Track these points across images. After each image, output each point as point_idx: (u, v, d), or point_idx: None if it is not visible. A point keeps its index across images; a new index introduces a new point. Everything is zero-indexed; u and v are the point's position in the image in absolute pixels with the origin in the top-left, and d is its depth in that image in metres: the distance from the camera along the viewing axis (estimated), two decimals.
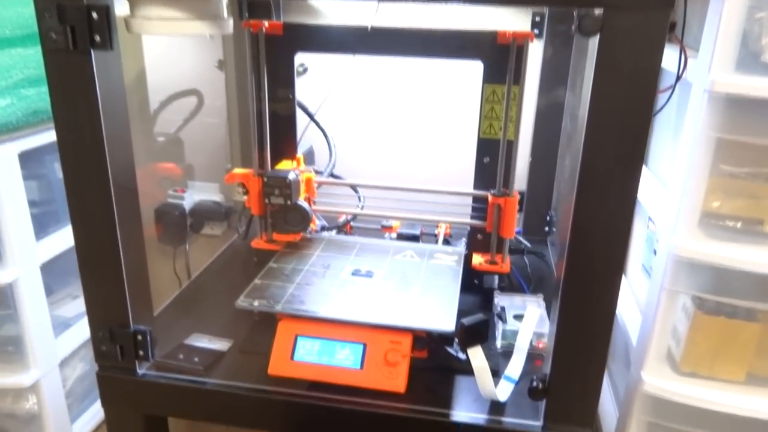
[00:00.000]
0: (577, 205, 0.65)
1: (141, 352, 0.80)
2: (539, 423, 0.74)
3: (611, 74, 0.59)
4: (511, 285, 1.07)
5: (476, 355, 0.74)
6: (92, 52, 0.68)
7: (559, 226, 1.22)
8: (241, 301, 0.85)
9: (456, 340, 0.83)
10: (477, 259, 1.02)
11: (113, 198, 0.74)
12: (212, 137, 1.42)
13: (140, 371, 0.82)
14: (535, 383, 0.72)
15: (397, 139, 1.34)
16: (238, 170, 1.05)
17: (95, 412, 1.20)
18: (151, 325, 0.82)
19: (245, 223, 1.19)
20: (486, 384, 0.75)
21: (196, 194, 1.44)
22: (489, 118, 0.99)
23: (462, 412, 0.77)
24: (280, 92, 1.03)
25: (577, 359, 0.70)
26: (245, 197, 1.05)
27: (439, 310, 0.84)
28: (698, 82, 0.76)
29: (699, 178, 0.79)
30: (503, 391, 0.79)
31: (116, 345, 0.80)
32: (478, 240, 1.05)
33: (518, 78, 0.93)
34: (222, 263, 1.19)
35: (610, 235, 0.65)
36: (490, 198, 0.98)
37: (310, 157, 1.19)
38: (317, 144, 1.24)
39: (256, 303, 0.85)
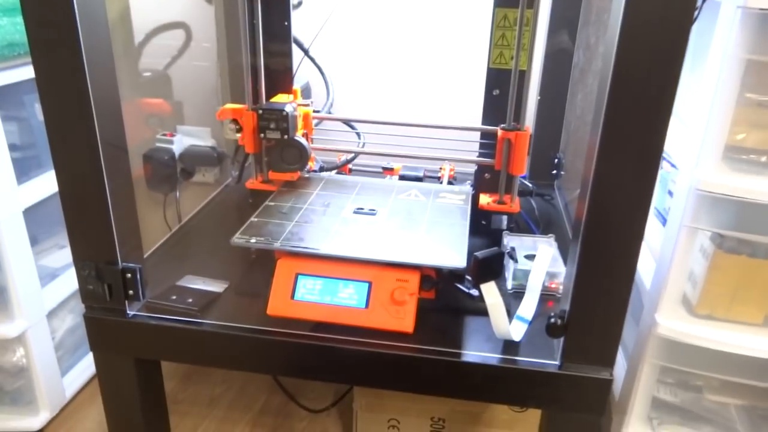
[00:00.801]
0: (602, 142, 0.59)
1: (131, 292, 0.75)
2: (556, 362, 0.70)
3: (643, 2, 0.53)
4: (519, 227, 1.02)
5: (490, 291, 0.70)
6: None
7: (567, 168, 1.17)
8: (237, 239, 0.80)
9: (468, 276, 0.78)
10: (485, 199, 0.97)
11: (96, 128, 0.68)
12: (202, 78, 1.34)
13: (130, 312, 0.77)
14: (553, 320, 0.67)
15: (398, 77, 1.27)
16: (230, 105, 0.98)
17: (87, 365, 1.16)
18: (141, 263, 0.76)
19: (239, 165, 1.13)
20: (500, 322, 0.71)
21: (187, 139, 1.38)
22: (499, 46, 0.93)
23: (474, 352, 0.72)
24: (275, 19, 0.96)
25: (599, 296, 0.65)
26: (238, 135, 0.99)
27: (448, 247, 0.79)
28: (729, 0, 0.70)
29: (725, 107, 0.74)
30: (517, 331, 0.74)
31: (104, 284, 0.75)
32: (485, 179, 0.99)
33: (532, 1, 0.86)
34: (215, 206, 1.13)
35: (636, 174, 0.60)
36: (499, 133, 0.92)
37: (306, 94, 1.13)
38: (314, 83, 1.17)
39: (253, 240, 0.79)
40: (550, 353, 0.72)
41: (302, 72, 1.14)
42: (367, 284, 0.76)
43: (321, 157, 1.11)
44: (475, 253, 0.68)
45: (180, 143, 1.36)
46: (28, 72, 0.96)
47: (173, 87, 1.26)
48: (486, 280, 0.70)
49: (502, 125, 0.92)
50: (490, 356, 0.72)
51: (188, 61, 1.30)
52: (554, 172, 1.20)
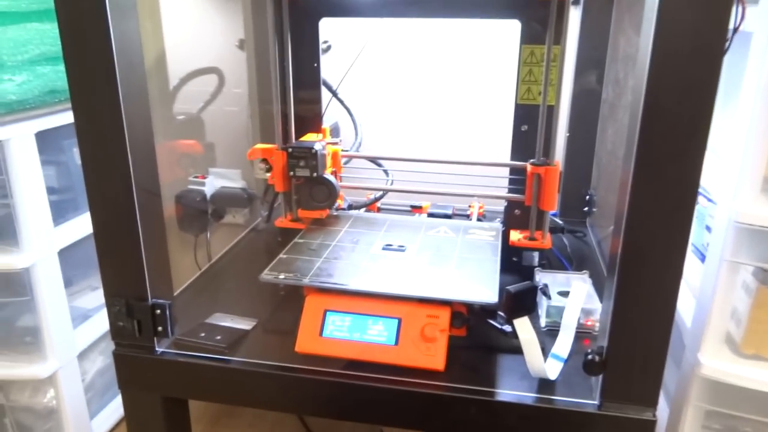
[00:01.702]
0: (635, 177, 0.58)
1: (160, 328, 0.75)
2: (595, 402, 0.67)
3: (673, 33, 0.53)
4: (551, 264, 1.00)
5: (524, 327, 0.68)
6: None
7: (599, 204, 1.15)
8: (266, 275, 0.80)
9: (500, 312, 0.76)
10: (515, 236, 0.96)
11: (131, 170, 0.69)
12: (234, 121, 1.37)
13: (159, 349, 0.77)
14: (591, 356, 0.65)
15: (426, 116, 1.29)
16: (260, 145, 1.00)
17: (115, 408, 1.15)
18: (171, 300, 0.76)
19: (269, 204, 1.14)
20: (535, 359, 0.68)
21: (218, 181, 1.40)
22: (527, 82, 0.93)
23: (508, 391, 0.70)
24: (305, 61, 0.98)
25: (638, 331, 0.63)
26: (268, 174, 1.00)
27: (479, 283, 0.77)
28: (761, 30, 0.69)
29: (761, 136, 0.72)
30: (552, 370, 0.72)
31: (133, 320, 0.75)
32: (515, 216, 0.98)
33: (559, 37, 0.86)
34: (244, 245, 1.14)
35: (673, 207, 0.58)
36: (529, 168, 0.92)
37: (335, 134, 1.14)
38: (342, 124, 1.19)
39: (282, 276, 0.79)
40: (588, 393, 0.69)
41: (331, 113, 1.15)
42: (396, 321, 0.74)
43: (349, 197, 1.11)
44: (507, 287, 0.67)
45: (211, 185, 1.39)
46: (67, 117, 0.99)
47: (206, 129, 1.29)
48: (519, 315, 0.68)
49: (532, 160, 0.92)
50: (525, 395, 0.69)
51: (220, 105, 1.33)
52: (586, 209, 1.18)
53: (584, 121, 1.14)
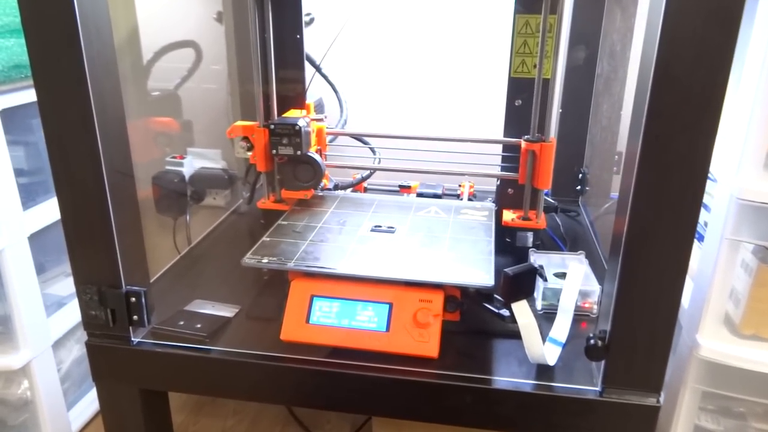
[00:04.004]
0: (643, 151, 0.54)
1: (135, 317, 0.70)
2: (597, 388, 0.64)
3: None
4: (545, 245, 0.97)
5: (522, 311, 0.64)
6: None
7: (593, 182, 1.12)
8: (248, 259, 0.75)
9: (496, 295, 0.72)
10: (508, 216, 0.92)
11: (100, 147, 0.64)
12: (213, 99, 1.32)
13: (135, 339, 0.72)
14: (593, 341, 0.61)
15: (414, 91, 1.23)
16: (240, 122, 0.95)
17: (93, 398, 1.11)
18: (147, 287, 0.72)
19: (250, 185, 1.09)
20: (534, 344, 0.65)
21: (197, 161, 1.35)
22: (521, 54, 0.88)
23: (505, 378, 0.66)
24: (287, 33, 0.93)
25: (643, 313, 0.59)
26: (249, 154, 0.95)
27: (473, 265, 0.74)
28: None
29: (766, 110, 0.69)
30: (551, 355, 0.69)
31: (107, 309, 0.70)
32: (508, 195, 0.95)
33: (555, 6, 0.82)
34: (225, 228, 1.09)
35: (683, 183, 0.55)
36: (523, 145, 0.88)
37: (319, 111, 1.09)
38: (327, 100, 1.14)
39: (265, 260, 0.75)
40: (588, 378, 0.66)
41: (315, 89, 1.10)
42: (387, 306, 0.70)
43: (335, 177, 1.07)
44: (505, 270, 0.63)
45: (190, 165, 1.33)
46: (35, 95, 0.93)
47: (183, 107, 1.23)
48: (517, 298, 0.64)
49: (526, 137, 0.88)
50: (523, 382, 0.66)
51: (198, 82, 1.27)
52: (578, 187, 1.14)
53: (577, 97, 1.10)
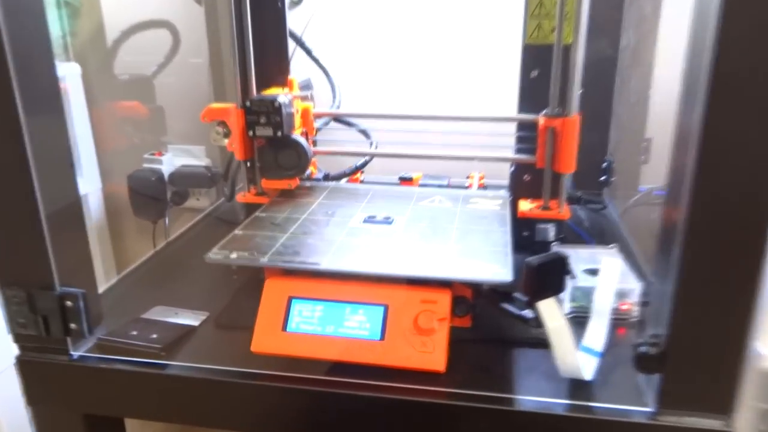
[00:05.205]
0: (710, 120, 0.42)
1: (72, 325, 0.57)
2: (648, 409, 0.50)
3: None
4: (568, 240, 0.83)
5: (551, 311, 0.51)
6: None
7: (621, 171, 0.99)
8: (214, 254, 0.62)
9: (515, 294, 0.59)
10: (525, 206, 0.79)
11: (21, 117, 0.52)
12: (194, 90, 1.20)
13: (74, 353, 0.59)
14: (644, 349, 0.48)
15: (414, 73, 1.10)
16: (215, 104, 0.82)
17: None
18: (90, 288, 0.59)
19: (231, 179, 0.96)
20: (566, 353, 0.52)
21: (179, 158, 1.23)
22: (537, 17, 0.76)
23: (531, 397, 0.53)
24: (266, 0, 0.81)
25: (712, 316, 0.46)
26: (226, 141, 0.83)
27: (486, 258, 0.61)
28: None
29: None
30: (587, 367, 0.55)
31: (37, 316, 0.57)
32: (524, 182, 0.82)
33: None
34: (202, 227, 0.96)
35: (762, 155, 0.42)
36: (541, 121, 0.75)
37: (306, 90, 0.96)
38: (317, 85, 1.02)
39: (234, 255, 0.62)
40: (635, 396, 0.52)
41: (304, 72, 0.98)
42: (382, 308, 0.57)
43: (325, 167, 0.94)
44: (528, 260, 0.50)
45: (170, 163, 1.21)
46: None
47: (158, 93, 1.11)
48: (544, 296, 0.51)
49: (545, 111, 0.75)
50: (554, 402, 0.52)
51: (179, 68, 1.16)
52: (603, 178, 1.01)
53: (599, 75, 0.97)
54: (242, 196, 0.84)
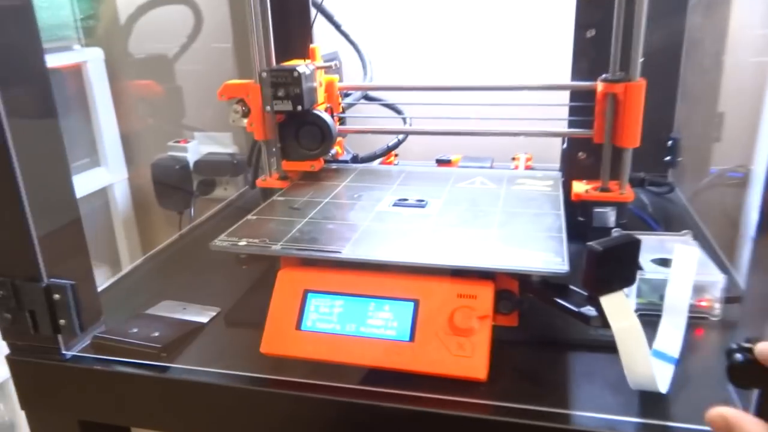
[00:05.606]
0: None
1: (62, 321, 0.51)
2: None
3: None
4: (631, 226, 0.73)
5: (619, 308, 0.41)
6: None
7: (689, 149, 0.87)
8: (220, 241, 0.55)
9: (573, 287, 0.49)
10: (580, 187, 0.69)
11: None
12: (220, 75, 1.14)
13: (67, 353, 0.53)
14: (740, 356, 0.38)
15: (452, 44, 1.01)
16: (233, 81, 0.75)
17: None
18: (84, 280, 0.52)
19: (254, 164, 0.89)
20: (638, 359, 0.42)
21: (205, 146, 1.17)
22: None
23: (592, 413, 0.43)
24: None
25: None
26: (245, 121, 0.75)
27: (537, 245, 0.51)
28: None
29: None
30: (662, 376, 0.45)
31: (24, 311, 0.51)
32: (579, 161, 0.71)
33: None
34: (222, 218, 0.89)
35: None
36: (600, 87, 0.65)
37: (336, 72, 0.89)
38: (348, 63, 0.93)
39: (242, 243, 0.54)
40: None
41: (330, 45, 0.91)
42: (411, 304, 0.49)
43: (355, 149, 0.86)
44: (591, 244, 0.40)
45: (195, 151, 1.16)
46: None
47: (184, 80, 1.06)
48: (610, 290, 0.41)
49: (604, 76, 0.65)
50: (622, 420, 0.42)
51: (205, 54, 1.10)
52: (668, 158, 0.89)
53: (664, 38, 0.86)
54: (262, 181, 0.77)
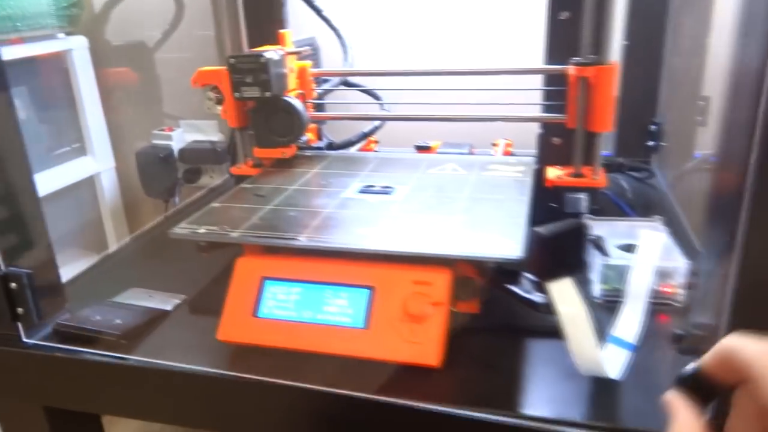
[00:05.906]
0: None
1: (20, 310, 0.51)
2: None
3: None
4: (605, 212, 0.72)
5: (564, 294, 0.40)
6: None
7: (672, 134, 0.86)
8: (180, 229, 0.55)
9: (527, 273, 0.49)
10: (553, 173, 0.68)
11: None
12: (204, 63, 1.13)
13: (28, 340, 0.53)
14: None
15: (429, 30, 1.00)
16: (206, 68, 0.75)
17: None
18: (44, 269, 0.52)
19: (232, 153, 0.89)
20: (583, 345, 0.41)
21: (189, 134, 1.17)
22: None
23: (541, 405, 0.43)
24: None
25: None
26: (219, 108, 0.75)
27: (496, 231, 0.51)
28: None
29: None
30: (614, 362, 0.44)
31: None
32: (553, 146, 0.70)
33: None
34: (197, 205, 0.89)
35: None
36: (572, 71, 0.64)
37: (313, 57, 0.88)
38: (328, 48, 0.93)
39: (201, 230, 0.54)
40: None
41: (312, 30, 0.90)
42: (366, 291, 0.48)
43: (335, 136, 0.85)
44: (536, 229, 0.40)
45: (180, 139, 1.15)
46: None
47: (168, 68, 1.05)
48: (557, 276, 0.41)
49: (576, 59, 0.64)
50: (566, 411, 0.42)
51: (188, 41, 1.10)
52: (650, 143, 0.88)
53: (647, 20, 0.84)
54: (237, 169, 0.76)
